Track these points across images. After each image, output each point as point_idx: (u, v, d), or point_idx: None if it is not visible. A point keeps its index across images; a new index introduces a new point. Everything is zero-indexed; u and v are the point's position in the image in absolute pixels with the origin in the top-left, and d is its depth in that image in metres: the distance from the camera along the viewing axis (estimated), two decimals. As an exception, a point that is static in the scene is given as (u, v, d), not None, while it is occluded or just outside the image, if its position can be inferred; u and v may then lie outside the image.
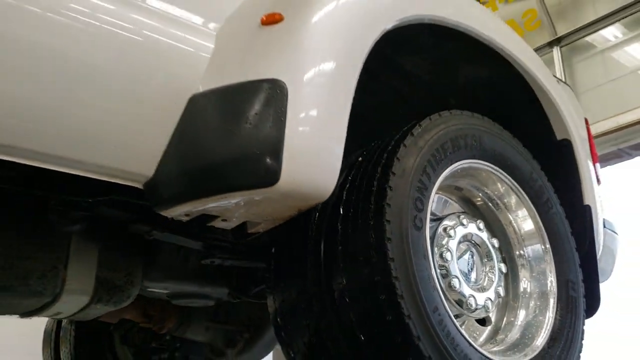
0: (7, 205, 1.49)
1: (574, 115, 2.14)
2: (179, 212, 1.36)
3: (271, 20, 1.40)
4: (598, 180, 2.63)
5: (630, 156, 4.88)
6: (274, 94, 1.29)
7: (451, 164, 1.58)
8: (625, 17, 4.88)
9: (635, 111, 4.48)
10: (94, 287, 1.67)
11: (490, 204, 1.76)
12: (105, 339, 2.81)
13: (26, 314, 1.73)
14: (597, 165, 2.74)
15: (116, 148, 1.27)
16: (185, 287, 1.94)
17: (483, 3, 5.26)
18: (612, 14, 4.93)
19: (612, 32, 5.00)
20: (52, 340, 2.91)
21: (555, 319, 1.67)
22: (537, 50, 5.25)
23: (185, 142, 1.32)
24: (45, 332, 3.03)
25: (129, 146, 1.29)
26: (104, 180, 1.30)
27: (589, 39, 5.06)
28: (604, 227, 2.54)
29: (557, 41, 5.13)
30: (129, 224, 1.64)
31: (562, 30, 5.14)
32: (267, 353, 2.56)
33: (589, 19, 4.97)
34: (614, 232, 2.68)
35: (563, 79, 5.01)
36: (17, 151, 1.15)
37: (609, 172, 5.29)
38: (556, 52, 5.07)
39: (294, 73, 1.32)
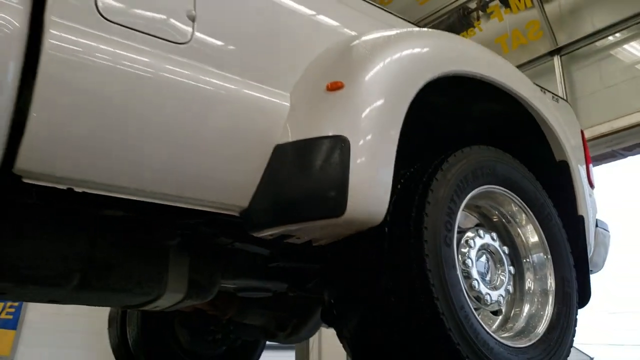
0: (129, 230, 1.92)
1: (570, 138, 2.52)
2: (265, 234, 1.77)
3: (334, 87, 1.79)
4: (591, 185, 3.04)
5: (623, 156, 5.30)
6: (339, 146, 1.69)
7: (472, 190, 1.99)
8: (621, 30, 5.26)
9: (628, 117, 4.87)
10: (187, 288, 2.10)
11: (503, 220, 2.17)
12: (165, 321, 3.26)
13: (135, 306, 2.17)
14: (591, 166, 3.14)
15: (224, 188, 1.69)
16: (251, 283, 2.37)
17: (489, 13, 5.61)
18: (608, 28, 5.30)
19: (608, 44, 5.37)
20: (118, 322, 3.35)
21: (554, 311, 2.09)
22: (539, 58, 5.63)
23: (272, 182, 1.73)
24: (110, 314, 3.47)
25: (232, 186, 1.70)
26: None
27: (586, 49, 5.44)
28: (597, 226, 2.95)
29: (557, 51, 5.50)
30: (217, 237, 2.06)
31: (562, 40, 5.51)
32: (310, 336, 3.01)
33: (587, 30, 5.35)
34: (606, 230, 3.10)
35: (563, 86, 5.42)
36: (164, 196, 1.58)
37: (603, 170, 5.75)
38: (557, 60, 5.44)
39: (354, 130, 1.72)
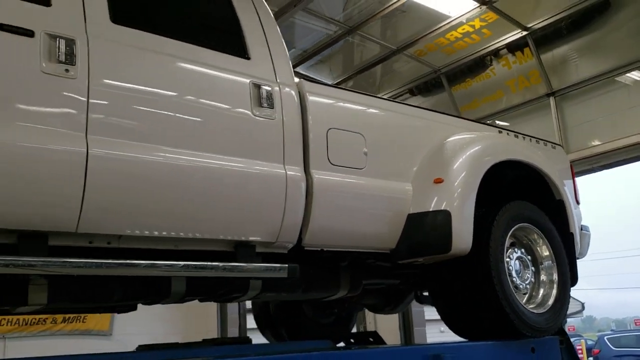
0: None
1: (564, 183, 3.98)
2: (403, 261, 3.26)
3: (438, 181, 3.26)
4: (577, 202, 4.52)
5: (599, 170, 6.89)
6: (445, 215, 3.16)
7: (512, 227, 3.48)
8: (598, 81, 6.78)
9: (607, 144, 6.41)
10: (349, 287, 3.59)
11: (528, 241, 3.66)
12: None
13: (323, 298, 3.67)
14: (577, 187, 4.62)
15: (386, 239, 3.17)
16: (378, 282, 3.87)
17: (501, 62, 7.08)
18: (590, 78, 6.83)
19: (589, 89, 6.87)
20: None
21: (557, 292, 3.60)
22: (539, 98, 7.16)
23: (408, 234, 3.21)
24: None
25: (389, 237, 3.18)
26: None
27: (573, 92, 6.94)
28: (581, 230, 4.45)
29: (552, 93, 7.01)
30: (371, 261, 3.53)
31: (555, 85, 7.01)
32: (403, 310, 4.55)
33: (573, 79, 6.86)
34: (587, 231, 4.60)
35: (557, 119, 6.92)
36: (372, 248, 3.08)
37: (582, 181, 7.41)
38: (552, 100, 6.92)
39: (452, 205, 3.18)
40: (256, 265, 2.71)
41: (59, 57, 2.23)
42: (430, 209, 3.21)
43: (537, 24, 6.94)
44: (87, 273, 2.30)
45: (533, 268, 3.65)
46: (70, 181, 2.18)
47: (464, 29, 6.83)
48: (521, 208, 3.58)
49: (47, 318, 9.01)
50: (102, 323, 10.00)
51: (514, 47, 7.05)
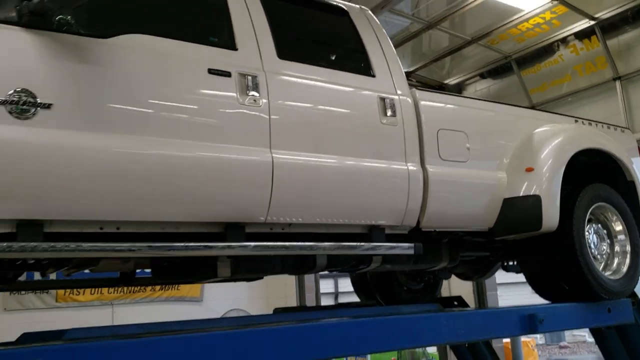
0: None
1: (633, 164, 4.47)
2: (499, 237, 3.88)
3: (529, 169, 3.83)
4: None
5: None
6: (536, 199, 3.75)
7: (592, 206, 4.03)
8: None
9: None
10: (448, 260, 4.22)
11: (604, 217, 4.20)
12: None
13: (426, 268, 4.33)
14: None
15: (487, 219, 3.78)
16: (471, 254, 4.50)
17: (569, 48, 7.48)
18: None
19: None
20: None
21: (630, 260, 4.15)
22: (605, 82, 7.52)
23: (504, 214, 3.81)
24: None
25: (489, 217, 3.79)
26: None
27: (638, 76, 7.31)
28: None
29: (618, 77, 7.39)
30: (470, 238, 4.15)
31: (621, 69, 7.36)
32: (489, 277, 5.19)
33: (639, 64, 7.21)
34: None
35: (623, 102, 7.29)
36: (471, 227, 3.71)
37: None
38: (618, 84, 7.29)
39: (541, 190, 3.75)
40: (390, 244, 3.37)
41: (248, 90, 2.90)
42: (523, 194, 3.80)
43: (604, 14, 7.33)
44: (271, 253, 3.02)
45: (608, 241, 4.20)
46: (262, 184, 2.87)
47: (535, 20, 7.26)
48: (599, 190, 4.13)
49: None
50: (194, 290, 10.97)
51: (582, 35, 7.46)
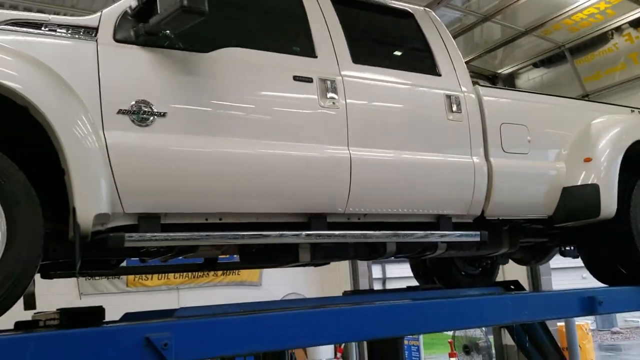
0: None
1: None
2: (559, 224, 4.07)
3: (587, 160, 4.00)
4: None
5: None
6: (595, 188, 3.92)
7: (647, 195, 4.19)
8: None
9: None
10: (509, 246, 4.43)
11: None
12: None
13: (485, 254, 4.56)
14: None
15: (547, 207, 3.98)
16: (530, 240, 4.69)
17: (624, 36, 7.47)
18: None
19: None
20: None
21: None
22: None
23: (564, 203, 4.00)
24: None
25: (549, 206, 3.99)
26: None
27: None
28: None
29: None
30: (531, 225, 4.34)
31: None
32: (546, 262, 5.37)
33: None
34: None
35: None
36: (533, 215, 3.92)
37: None
38: None
39: (599, 179, 3.94)
40: (458, 232, 3.63)
41: (327, 94, 3.19)
42: (582, 183, 3.98)
43: (660, 1, 7.24)
44: (353, 241, 3.33)
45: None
46: (342, 179, 3.17)
47: (589, 10, 7.28)
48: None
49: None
50: (253, 275, 11.44)
51: (637, 23, 7.43)
